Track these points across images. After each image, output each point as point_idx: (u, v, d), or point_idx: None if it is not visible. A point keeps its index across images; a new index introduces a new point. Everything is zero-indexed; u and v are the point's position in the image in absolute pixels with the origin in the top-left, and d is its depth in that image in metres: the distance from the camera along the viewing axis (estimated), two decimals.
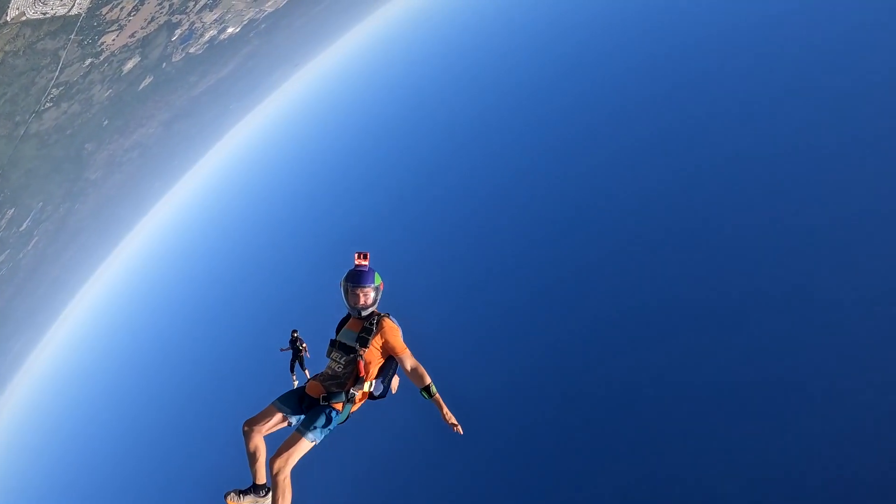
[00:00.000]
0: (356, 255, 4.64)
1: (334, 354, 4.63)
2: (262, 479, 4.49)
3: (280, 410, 4.56)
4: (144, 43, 51.51)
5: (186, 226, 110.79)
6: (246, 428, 4.48)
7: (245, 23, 67.47)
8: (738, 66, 30.56)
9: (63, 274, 73.11)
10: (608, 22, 51.38)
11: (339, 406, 4.50)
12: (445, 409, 4.38)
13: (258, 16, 68.90)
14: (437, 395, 4.43)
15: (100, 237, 77.65)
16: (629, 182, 28.18)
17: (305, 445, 4.36)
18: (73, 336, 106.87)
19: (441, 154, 53.99)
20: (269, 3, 67.28)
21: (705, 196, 25.64)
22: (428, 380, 4.47)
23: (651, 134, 30.40)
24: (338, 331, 4.80)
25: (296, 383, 14.69)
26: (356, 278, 4.59)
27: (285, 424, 4.58)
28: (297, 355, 14.97)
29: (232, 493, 4.45)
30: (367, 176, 65.91)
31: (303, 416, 4.55)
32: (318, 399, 4.52)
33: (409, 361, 4.54)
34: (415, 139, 61.90)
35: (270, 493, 4.34)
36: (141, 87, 57.75)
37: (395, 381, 4.81)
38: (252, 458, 4.47)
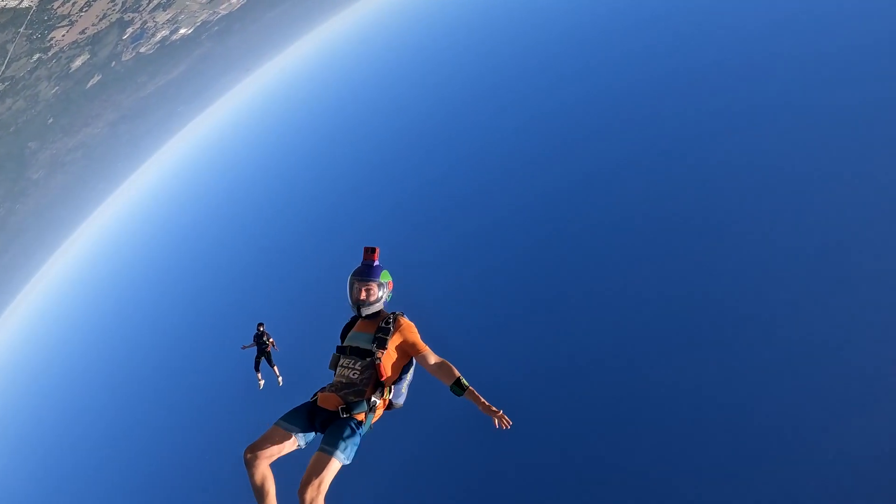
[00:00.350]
0: (364, 249, 4.25)
1: (345, 361, 4.07)
2: None
3: (288, 430, 3.86)
4: (95, 40, 50.46)
5: (129, 229, 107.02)
6: (248, 455, 3.77)
7: (198, 24, 66.82)
8: (716, 68, 30.58)
9: (2, 276, 69.57)
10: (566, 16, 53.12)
11: (361, 417, 3.93)
12: (484, 400, 3.92)
13: (212, 18, 68.36)
14: (471, 386, 3.96)
15: (41, 239, 74.24)
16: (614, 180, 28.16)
17: (335, 466, 3.73)
18: (10, 342, 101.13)
19: (390, 161, 54.57)
20: (224, 6, 66.95)
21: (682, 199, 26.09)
22: (457, 372, 3.98)
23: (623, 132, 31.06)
24: (343, 337, 4.27)
25: (261, 383, 14.04)
26: (360, 272, 4.18)
27: (295, 447, 3.91)
28: (262, 351, 13.82)
29: None
30: (312, 185, 65.56)
31: (312, 435, 3.97)
32: (336, 412, 3.90)
33: (433, 357, 4.08)
34: (362, 148, 62.09)
35: None
36: (89, 85, 56.27)
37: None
38: (260, 491, 3.78)
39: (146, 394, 53.39)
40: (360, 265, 4.23)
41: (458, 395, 3.95)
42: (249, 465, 3.77)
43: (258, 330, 13.85)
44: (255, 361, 13.85)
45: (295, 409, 4.00)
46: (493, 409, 3.91)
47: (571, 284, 26.18)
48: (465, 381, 3.93)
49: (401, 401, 4.20)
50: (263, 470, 3.78)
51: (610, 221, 27.62)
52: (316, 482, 3.64)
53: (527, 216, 33.00)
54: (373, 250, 4.23)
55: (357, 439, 3.87)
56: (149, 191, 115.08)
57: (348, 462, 3.79)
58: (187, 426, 43.79)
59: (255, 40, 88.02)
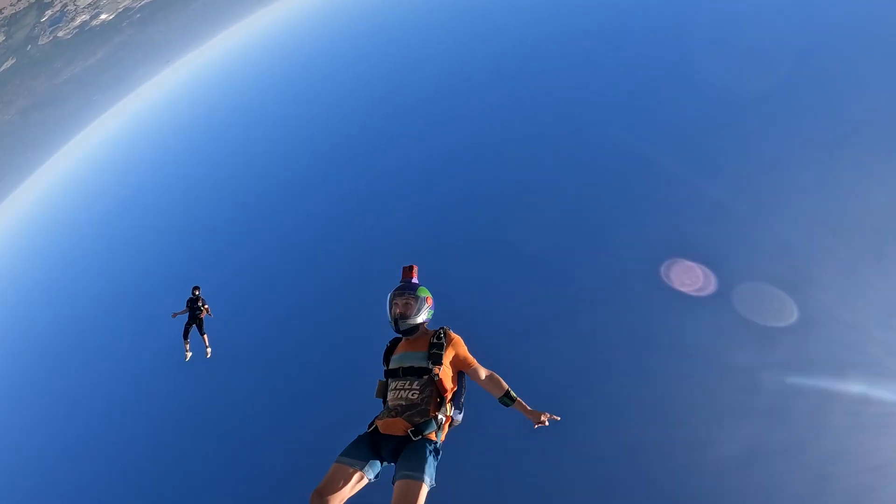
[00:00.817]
0: (403, 269, 4.25)
1: (399, 384, 3.87)
2: None
3: (353, 466, 3.62)
4: (11, 21, 48.28)
5: (36, 222, 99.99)
6: (317, 502, 3.51)
7: (120, 10, 64.73)
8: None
9: None
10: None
11: (433, 437, 3.75)
12: (530, 409, 3.93)
13: (134, 4, 66.40)
14: (518, 398, 3.95)
15: None
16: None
17: (425, 492, 3.52)
18: None
19: (312, 158, 54.66)
20: None
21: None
22: (505, 385, 3.95)
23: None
24: (387, 361, 4.08)
25: (188, 355, 13.17)
26: (398, 288, 4.11)
27: (364, 483, 3.66)
28: (194, 318, 12.86)
29: None
30: (226, 182, 64.26)
31: (379, 465, 3.74)
32: (405, 436, 3.70)
33: (483, 371, 4.00)
34: (283, 145, 61.53)
35: None
36: (1, 69, 53.45)
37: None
38: None
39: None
40: (399, 284, 4.18)
41: (507, 406, 3.94)
42: None
43: (193, 294, 12.91)
44: (185, 329, 12.81)
45: (354, 442, 3.77)
46: (538, 413, 3.92)
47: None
48: (513, 393, 3.92)
49: (460, 417, 4.01)
50: None
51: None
52: None
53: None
54: (410, 268, 4.21)
55: (435, 460, 3.67)
56: (58, 183, 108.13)
57: (434, 485, 3.60)
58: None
59: (178, 30, 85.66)
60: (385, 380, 4.01)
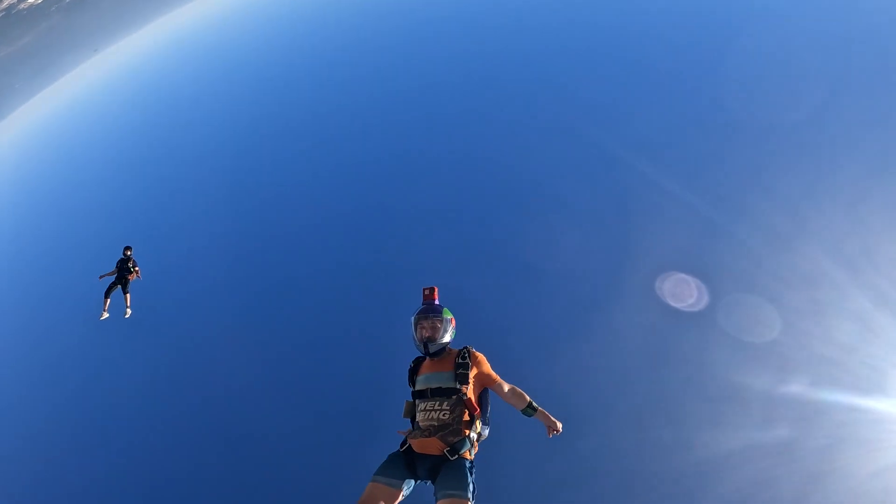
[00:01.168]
0: (424, 291, 4.33)
1: (428, 405, 3.92)
2: None
3: (392, 486, 3.67)
4: None
5: None
6: None
7: None
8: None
9: None
10: None
11: (468, 455, 3.83)
12: (552, 418, 3.98)
13: None
14: (540, 407, 4.00)
15: None
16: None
17: None
18: None
19: (243, 152, 53.12)
20: None
21: None
22: (528, 397, 3.99)
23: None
24: (413, 383, 4.13)
25: (106, 314, 12.94)
26: (424, 311, 4.16)
27: (401, 499, 3.73)
28: (121, 278, 12.67)
29: None
30: (142, 176, 61.80)
31: (413, 483, 3.83)
32: (442, 456, 3.77)
33: (506, 385, 4.06)
34: (208, 142, 59.55)
35: None
36: None
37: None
38: None
39: None
40: (421, 306, 4.23)
41: (530, 416, 4.02)
42: None
43: (124, 255, 12.77)
44: (109, 287, 12.64)
45: (388, 461, 3.85)
46: (554, 420, 3.98)
47: None
48: (535, 403, 3.99)
49: (487, 432, 4.11)
50: None
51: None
52: None
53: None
54: (431, 290, 4.33)
55: (472, 476, 3.77)
56: None
57: (474, 501, 3.72)
58: None
59: (109, 17, 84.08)
60: (413, 401, 4.05)
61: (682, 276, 16.19)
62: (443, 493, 3.57)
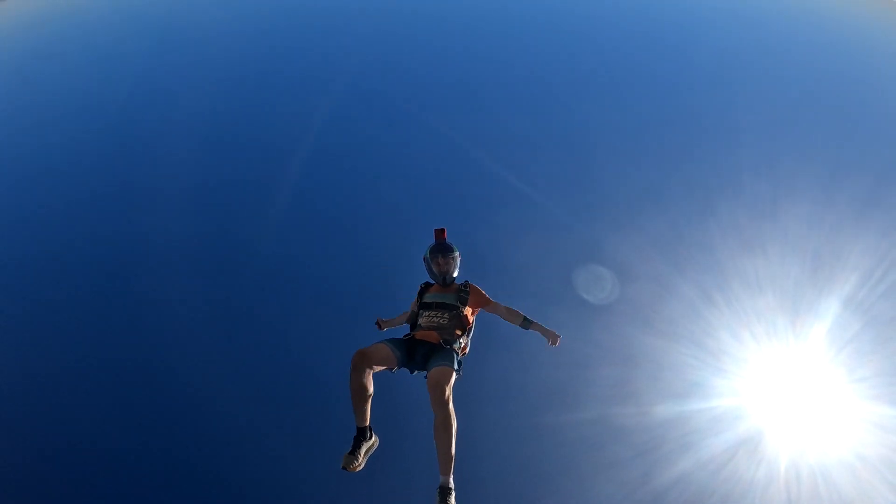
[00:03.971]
0: (436, 231, 5.13)
1: (432, 313, 4.79)
2: (366, 420, 4.21)
3: (392, 352, 4.36)
4: None
5: None
6: (357, 360, 4.15)
7: None
8: None
9: None
10: None
11: (457, 349, 4.62)
12: (544, 326, 4.84)
13: None
14: (534, 320, 4.83)
15: None
16: None
17: (453, 376, 4.26)
18: None
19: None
20: None
21: None
22: (522, 313, 4.88)
23: None
24: (421, 298, 5.04)
25: None
26: (440, 249, 5.05)
27: (389, 367, 4.40)
28: None
29: (347, 457, 4.11)
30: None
31: (407, 368, 4.57)
32: (438, 344, 4.54)
33: (503, 305, 4.94)
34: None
35: (441, 421, 3.97)
36: None
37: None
38: (362, 394, 4.17)
39: None
40: (436, 244, 5.10)
41: (527, 329, 4.85)
42: (357, 367, 4.12)
43: None
44: None
45: (394, 339, 4.52)
46: (551, 331, 4.80)
47: None
48: (529, 318, 4.85)
49: (468, 349, 4.92)
50: (369, 378, 4.16)
51: None
52: (445, 387, 4.08)
53: None
54: (442, 230, 5.12)
55: (459, 360, 4.53)
56: None
57: (459, 376, 4.41)
58: None
59: None
60: (417, 311, 4.92)
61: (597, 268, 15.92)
62: (433, 364, 4.30)
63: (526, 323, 4.89)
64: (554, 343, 4.81)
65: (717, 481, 11.76)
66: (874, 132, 22.92)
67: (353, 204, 21.77)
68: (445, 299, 4.92)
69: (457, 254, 5.13)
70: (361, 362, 4.15)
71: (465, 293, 4.94)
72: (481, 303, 5.00)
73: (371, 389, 4.21)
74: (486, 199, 20.08)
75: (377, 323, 5.50)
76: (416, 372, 4.64)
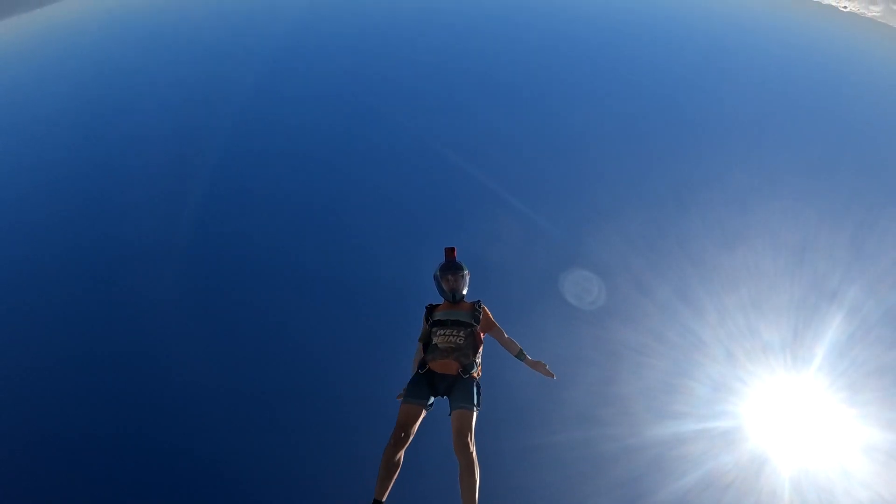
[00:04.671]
0: (446, 250, 5.30)
1: (447, 331, 4.91)
2: (385, 495, 4.23)
3: (420, 405, 4.53)
4: None
5: None
6: (401, 436, 4.35)
7: None
8: None
9: None
10: None
11: (475, 374, 4.80)
12: (533, 361, 5.02)
13: None
14: (528, 356, 5.03)
15: None
16: None
17: (475, 417, 4.45)
18: None
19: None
20: None
21: None
22: (519, 346, 5.07)
23: None
24: (429, 318, 5.16)
25: None
26: (450, 268, 5.19)
27: (424, 415, 4.58)
28: None
29: None
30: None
31: (433, 399, 4.68)
32: (457, 375, 4.69)
33: (505, 334, 5.13)
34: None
35: (464, 468, 4.10)
36: None
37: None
38: (393, 469, 4.26)
39: None
40: (445, 262, 5.26)
41: (520, 361, 5.07)
42: (400, 442, 4.31)
43: None
44: None
45: (414, 385, 4.69)
46: (541, 364, 4.99)
47: None
48: (524, 352, 5.07)
49: (481, 370, 5.05)
50: (401, 453, 4.31)
51: None
52: (467, 433, 4.27)
53: None
54: (452, 249, 5.31)
55: (479, 391, 4.68)
56: None
57: (481, 407, 4.59)
58: None
59: None
60: (430, 328, 5.02)
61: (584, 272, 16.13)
62: (455, 405, 4.49)
63: (521, 355, 5.08)
64: (549, 375, 4.99)
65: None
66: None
67: (353, 206, 22.05)
68: (460, 317, 5.04)
69: (466, 272, 5.24)
70: (405, 437, 4.36)
71: (478, 311, 5.09)
72: (488, 325, 5.15)
73: (401, 463, 4.31)
74: (472, 203, 21.06)
75: (402, 392, 5.05)
76: (443, 397, 4.76)
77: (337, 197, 22.59)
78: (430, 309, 5.25)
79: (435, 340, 4.91)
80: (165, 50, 40.96)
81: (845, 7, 46.59)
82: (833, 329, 13.31)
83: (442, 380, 4.70)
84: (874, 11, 45.22)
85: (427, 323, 5.15)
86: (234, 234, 21.04)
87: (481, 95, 30.15)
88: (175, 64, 36.93)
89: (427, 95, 30.77)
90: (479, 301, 5.23)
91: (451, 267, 5.23)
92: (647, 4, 43.41)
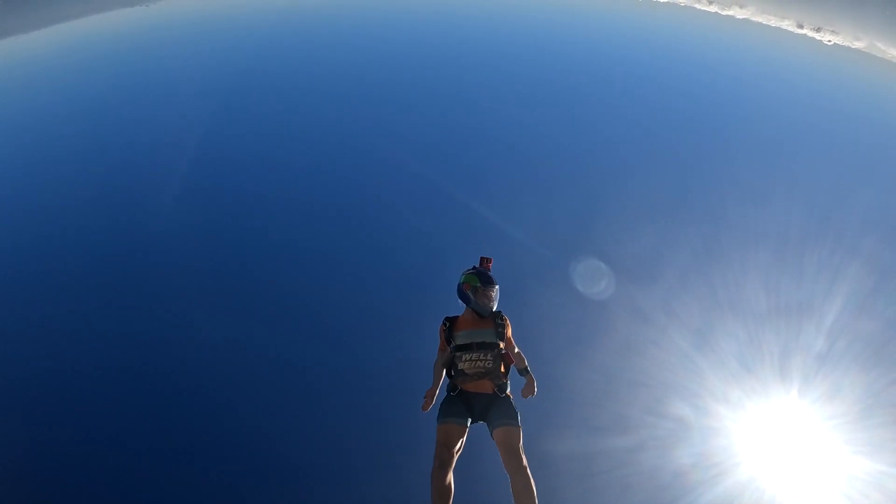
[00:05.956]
0: (482, 259, 5.02)
1: (474, 355, 4.63)
2: None
3: (459, 424, 4.38)
4: None
5: None
6: (445, 455, 4.18)
7: None
8: None
9: None
10: None
11: (509, 393, 4.66)
12: (533, 386, 4.75)
13: None
14: (531, 374, 4.83)
15: None
16: None
17: (520, 432, 4.32)
18: None
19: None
20: None
21: None
22: (526, 362, 4.87)
23: None
24: (452, 337, 4.79)
25: None
26: (489, 280, 4.89)
27: (465, 435, 4.44)
28: None
29: None
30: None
31: (469, 418, 4.50)
32: (493, 394, 4.56)
33: (516, 348, 4.91)
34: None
35: (522, 486, 3.95)
36: None
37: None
38: (445, 497, 4.06)
39: None
40: (485, 274, 4.93)
41: (521, 376, 4.84)
42: (446, 463, 4.13)
43: None
44: None
45: (449, 405, 4.52)
46: (533, 386, 4.75)
47: None
48: (529, 369, 4.85)
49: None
50: (450, 477, 4.11)
51: None
52: (518, 449, 4.16)
53: None
54: (489, 260, 5.01)
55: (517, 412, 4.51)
56: None
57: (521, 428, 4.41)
58: None
59: None
60: (453, 352, 4.70)
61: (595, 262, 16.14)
62: (499, 423, 4.34)
63: (524, 372, 4.88)
64: (527, 395, 4.78)
65: None
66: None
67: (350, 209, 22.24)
68: (484, 337, 4.77)
69: (498, 286, 4.97)
70: (450, 457, 4.19)
71: (501, 326, 4.82)
72: (508, 339, 4.92)
73: (453, 488, 4.11)
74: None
75: (425, 401, 4.74)
76: (479, 422, 4.61)
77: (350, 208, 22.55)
78: (450, 326, 4.88)
79: (461, 366, 4.68)
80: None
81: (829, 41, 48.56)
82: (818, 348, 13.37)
83: (478, 400, 4.57)
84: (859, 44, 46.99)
85: (447, 343, 4.84)
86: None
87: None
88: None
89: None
90: (499, 312, 4.91)
91: (492, 280, 4.93)
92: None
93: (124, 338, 16.17)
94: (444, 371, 4.80)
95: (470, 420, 4.52)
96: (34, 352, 16.66)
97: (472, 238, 19.57)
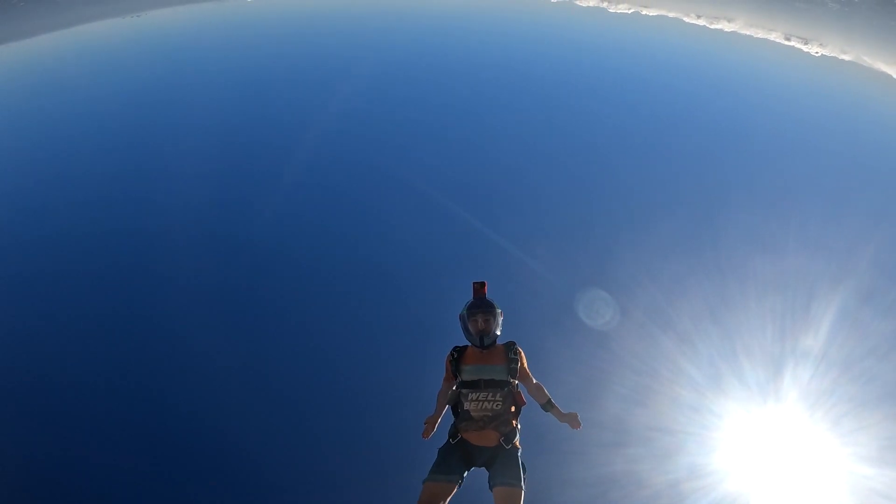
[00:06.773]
0: (474, 284, 4.46)
1: (481, 395, 4.08)
2: None
3: (450, 482, 3.87)
4: None
5: None
6: None
7: None
8: None
9: None
10: None
11: (517, 443, 4.08)
12: (564, 413, 4.19)
13: None
14: (556, 404, 4.25)
15: None
16: None
17: (522, 496, 3.80)
18: None
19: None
20: None
21: None
22: (548, 393, 4.27)
23: None
24: (459, 371, 4.24)
25: None
26: (478, 305, 4.31)
27: (456, 490, 3.93)
28: None
29: None
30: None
31: (465, 471, 4.01)
32: (498, 445, 4.03)
33: (534, 380, 4.30)
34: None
35: None
36: None
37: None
38: None
39: None
40: (473, 300, 4.39)
41: (547, 412, 4.25)
42: None
43: None
44: None
45: (442, 459, 4.03)
46: (569, 415, 4.16)
47: None
48: (553, 401, 4.25)
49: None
50: None
51: None
52: None
53: None
54: (482, 284, 4.45)
55: (522, 462, 4.02)
56: None
57: (526, 485, 3.95)
58: None
59: None
60: (458, 389, 4.17)
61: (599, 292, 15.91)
62: (501, 481, 3.81)
63: (548, 405, 4.25)
64: (576, 426, 4.19)
65: None
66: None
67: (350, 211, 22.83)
68: (494, 374, 4.15)
69: (499, 311, 4.33)
70: None
71: (514, 361, 4.19)
72: (522, 373, 4.28)
73: None
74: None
75: (425, 428, 4.18)
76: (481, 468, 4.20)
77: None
78: (457, 357, 4.30)
79: (466, 406, 4.11)
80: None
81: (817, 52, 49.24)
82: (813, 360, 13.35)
83: (480, 453, 4.04)
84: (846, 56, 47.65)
85: (452, 376, 4.24)
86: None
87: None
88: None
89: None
90: (512, 343, 4.31)
91: (480, 305, 4.30)
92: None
93: (119, 346, 16.63)
94: (449, 406, 4.27)
95: (466, 472, 4.03)
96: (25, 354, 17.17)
97: (469, 252, 19.51)
